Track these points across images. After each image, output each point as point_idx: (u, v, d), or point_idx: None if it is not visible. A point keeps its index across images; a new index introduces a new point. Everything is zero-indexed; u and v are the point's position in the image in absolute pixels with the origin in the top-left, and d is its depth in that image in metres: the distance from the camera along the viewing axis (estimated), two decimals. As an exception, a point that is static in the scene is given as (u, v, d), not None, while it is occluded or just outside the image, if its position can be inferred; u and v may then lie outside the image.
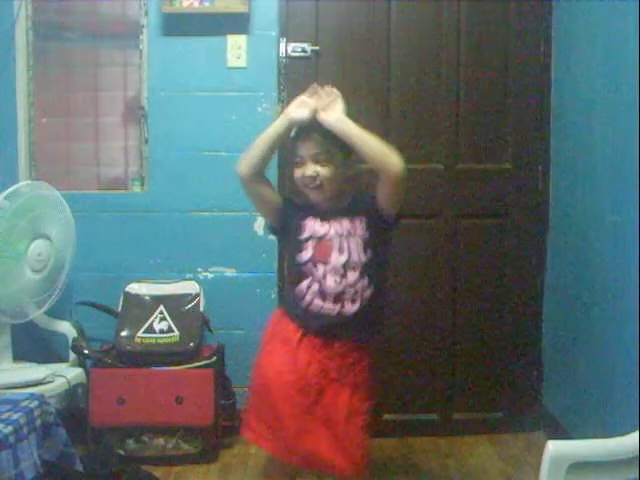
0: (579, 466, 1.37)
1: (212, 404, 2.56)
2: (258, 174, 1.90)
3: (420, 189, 2.79)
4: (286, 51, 2.77)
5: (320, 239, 1.87)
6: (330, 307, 1.85)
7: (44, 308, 2.62)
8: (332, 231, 1.87)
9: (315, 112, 1.84)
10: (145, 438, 2.56)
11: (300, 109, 1.86)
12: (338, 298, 1.85)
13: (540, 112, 2.81)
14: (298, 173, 1.88)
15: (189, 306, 2.70)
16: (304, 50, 2.75)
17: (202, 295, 2.73)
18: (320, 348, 1.85)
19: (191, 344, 2.61)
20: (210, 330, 2.73)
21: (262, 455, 2.63)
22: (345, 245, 1.86)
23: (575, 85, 2.60)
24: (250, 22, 2.79)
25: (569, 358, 2.64)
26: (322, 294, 1.85)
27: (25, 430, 1.83)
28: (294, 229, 1.91)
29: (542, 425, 2.82)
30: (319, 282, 1.85)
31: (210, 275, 2.85)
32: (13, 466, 1.75)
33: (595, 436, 1.49)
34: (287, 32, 2.77)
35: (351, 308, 1.85)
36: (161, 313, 2.67)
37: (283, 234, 1.99)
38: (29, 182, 2.69)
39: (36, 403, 1.94)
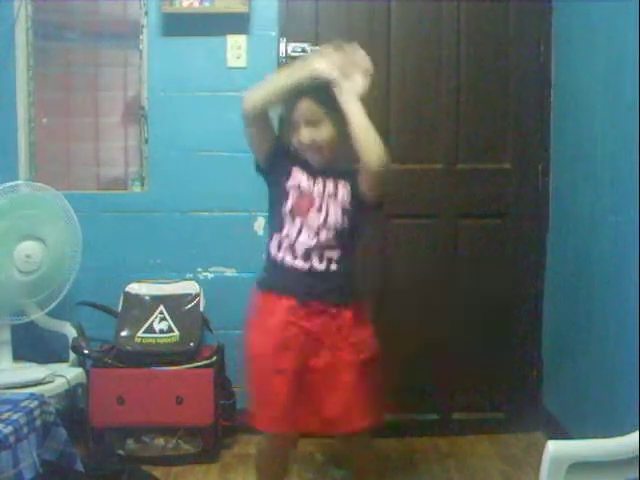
0: (579, 466, 1.37)
1: (212, 404, 2.56)
2: (263, 113, 1.87)
3: (420, 189, 2.79)
4: (286, 51, 2.76)
5: (302, 193, 1.88)
6: (300, 264, 1.86)
7: (47, 310, 2.61)
8: (315, 189, 1.88)
9: (338, 75, 1.80)
10: (145, 438, 2.56)
11: (327, 66, 1.81)
12: (307, 255, 1.85)
13: (540, 112, 2.81)
14: (295, 136, 1.87)
15: (189, 306, 2.71)
16: (304, 50, 2.75)
17: (202, 295, 2.73)
18: (296, 309, 1.86)
19: (191, 344, 2.61)
20: (210, 330, 2.73)
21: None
22: (324, 206, 1.87)
23: (575, 85, 2.60)
24: (250, 22, 2.79)
25: (569, 358, 2.64)
26: (292, 250, 1.86)
27: (25, 430, 1.83)
28: (282, 173, 1.90)
29: (542, 425, 2.82)
30: (291, 235, 1.86)
31: (210, 275, 2.85)
32: (13, 466, 1.75)
33: (595, 436, 1.49)
34: (287, 32, 2.77)
35: (319, 266, 1.86)
36: (161, 313, 2.67)
37: (270, 176, 1.96)
38: (20, 182, 2.66)
39: (36, 403, 1.93)
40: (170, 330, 2.63)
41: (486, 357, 2.85)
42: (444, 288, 2.82)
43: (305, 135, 1.84)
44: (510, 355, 2.86)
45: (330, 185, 1.89)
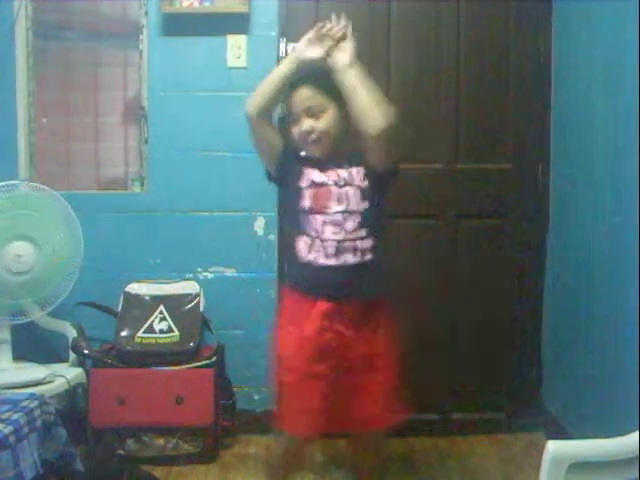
0: (579, 466, 1.37)
1: (212, 404, 2.56)
2: (266, 115, 1.87)
3: (420, 189, 2.79)
4: (286, 51, 2.76)
5: (318, 188, 1.86)
6: (333, 262, 1.83)
7: (47, 310, 2.61)
8: (330, 180, 1.86)
9: (325, 53, 1.82)
10: (145, 438, 2.56)
11: (310, 48, 1.83)
12: (338, 250, 1.83)
13: (540, 112, 2.81)
14: (295, 129, 1.87)
15: (189, 306, 2.71)
16: (304, 50, 2.75)
17: (202, 295, 2.73)
18: (331, 314, 1.84)
19: (191, 344, 2.61)
20: (210, 330, 2.73)
21: (262, 455, 2.64)
22: (343, 194, 1.85)
23: (575, 85, 2.60)
24: (250, 22, 2.78)
25: (569, 358, 2.64)
26: (323, 248, 1.83)
27: (25, 430, 1.83)
28: (294, 175, 1.89)
29: (542, 425, 2.82)
30: (318, 234, 1.83)
31: (210, 275, 2.85)
32: (13, 466, 1.75)
33: (595, 436, 1.48)
34: (287, 32, 2.77)
35: (352, 260, 1.83)
36: (161, 313, 2.67)
37: (282, 181, 1.96)
38: (17, 182, 2.64)
39: (36, 403, 1.93)
40: (170, 330, 2.63)
41: (486, 357, 2.85)
42: (444, 288, 2.82)
43: (305, 125, 1.83)
44: (510, 355, 2.86)
45: (343, 173, 1.87)
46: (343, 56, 1.82)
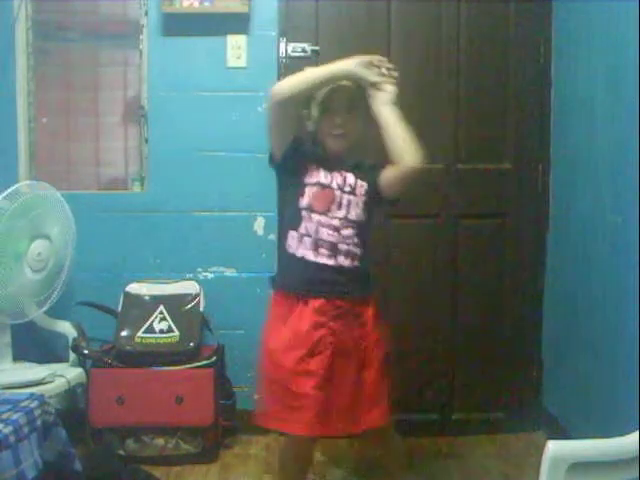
0: (579, 466, 1.36)
1: (212, 404, 2.56)
2: (294, 101, 1.87)
3: (420, 189, 2.78)
4: (286, 51, 2.77)
5: (322, 189, 1.88)
6: (325, 260, 1.85)
7: (44, 308, 2.62)
8: (334, 183, 1.89)
9: (377, 79, 1.87)
10: (145, 438, 2.56)
11: (365, 68, 1.87)
12: (333, 250, 1.85)
13: (540, 112, 2.81)
14: (326, 120, 1.89)
15: (189, 306, 2.71)
16: (304, 50, 2.75)
17: (202, 295, 2.73)
18: (323, 311, 1.85)
19: (191, 344, 2.61)
20: (210, 330, 2.73)
21: (262, 455, 2.65)
22: (345, 201, 1.88)
23: (575, 85, 2.60)
24: (250, 22, 2.79)
25: (569, 358, 2.64)
26: (316, 247, 1.85)
27: (25, 430, 1.82)
28: (299, 169, 1.91)
29: (542, 425, 2.82)
30: (313, 233, 1.85)
31: (210, 275, 2.85)
32: (14, 466, 1.74)
33: (595, 436, 1.48)
34: (287, 32, 2.77)
35: (345, 262, 1.86)
36: (161, 313, 2.67)
37: (285, 171, 1.95)
38: (29, 182, 2.68)
39: (36, 403, 1.93)
40: (170, 330, 2.63)
41: (486, 357, 2.85)
42: (444, 288, 2.82)
43: (341, 117, 1.87)
44: (510, 355, 2.86)
45: (349, 180, 1.90)
46: (385, 94, 1.88)
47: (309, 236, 1.86)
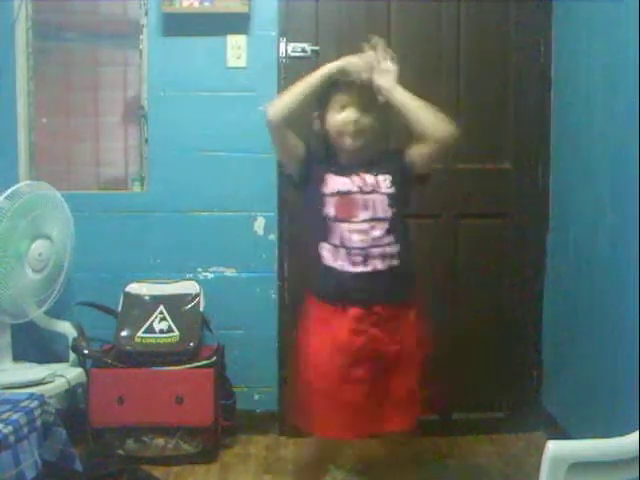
0: (579, 466, 1.36)
1: (212, 404, 2.56)
2: (290, 120, 1.85)
3: (420, 189, 2.78)
4: (286, 51, 2.76)
5: (343, 196, 1.84)
6: (361, 269, 1.82)
7: (44, 307, 2.62)
8: (355, 187, 1.85)
9: (370, 72, 1.86)
10: (145, 438, 2.56)
11: (357, 62, 1.86)
12: (366, 257, 1.82)
13: (540, 112, 2.81)
14: (337, 118, 1.85)
15: (189, 306, 2.70)
16: (304, 50, 2.75)
17: (202, 295, 2.73)
18: (362, 318, 1.83)
19: (191, 344, 2.61)
20: (210, 330, 2.73)
21: (262, 455, 2.65)
22: (370, 201, 1.84)
23: (575, 85, 2.60)
24: (250, 22, 2.79)
25: (569, 358, 2.64)
26: (350, 256, 1.82)
27: (25, 430, 1.83)
28: (317, 181, 1.87)
29: (542, 425, 2.82)
30: (343, 242, 1.82)
31: (210, 275, 2.85)
32: (14, 466, 1.75)
33: (595, 436, 1.48)
34: (287, 32, 2.77)
35: (381, 266, 1.82)
36: (161, 313, 2.67)
37: (305, 186, 1.93)
38: (29, 182, 2.68)
39: (36, 403, 1.93)
40: (170, 330, 2.63)
41: (486, 357, 2.85)
42: (444, 288, 2.82)
43: (352, 115, 1.84)
44: (510, 355, 2.86)
45: (370, 179, 1.86)
46: (388, 76, 1.87)
47: (341, 246, 1.83)
